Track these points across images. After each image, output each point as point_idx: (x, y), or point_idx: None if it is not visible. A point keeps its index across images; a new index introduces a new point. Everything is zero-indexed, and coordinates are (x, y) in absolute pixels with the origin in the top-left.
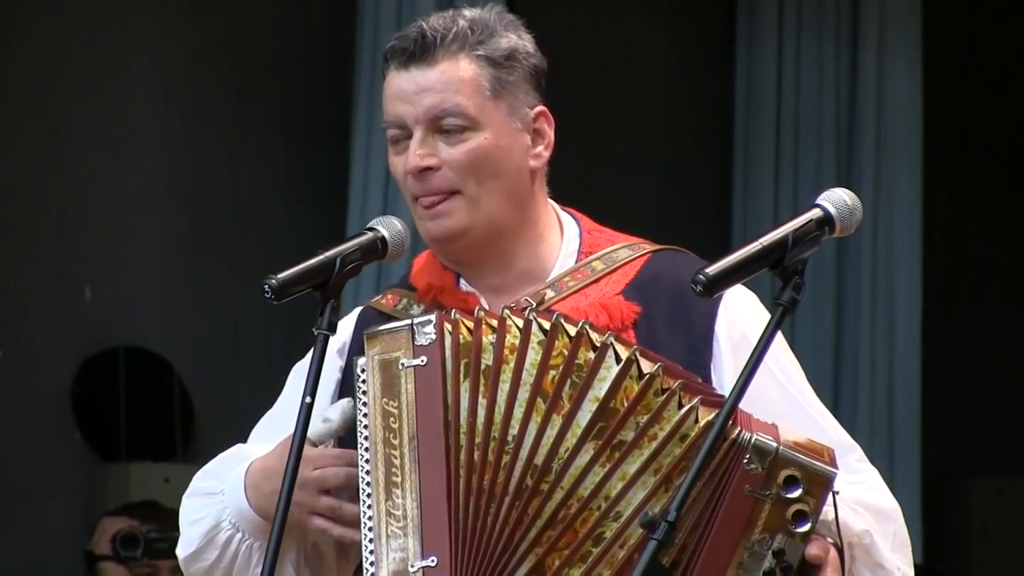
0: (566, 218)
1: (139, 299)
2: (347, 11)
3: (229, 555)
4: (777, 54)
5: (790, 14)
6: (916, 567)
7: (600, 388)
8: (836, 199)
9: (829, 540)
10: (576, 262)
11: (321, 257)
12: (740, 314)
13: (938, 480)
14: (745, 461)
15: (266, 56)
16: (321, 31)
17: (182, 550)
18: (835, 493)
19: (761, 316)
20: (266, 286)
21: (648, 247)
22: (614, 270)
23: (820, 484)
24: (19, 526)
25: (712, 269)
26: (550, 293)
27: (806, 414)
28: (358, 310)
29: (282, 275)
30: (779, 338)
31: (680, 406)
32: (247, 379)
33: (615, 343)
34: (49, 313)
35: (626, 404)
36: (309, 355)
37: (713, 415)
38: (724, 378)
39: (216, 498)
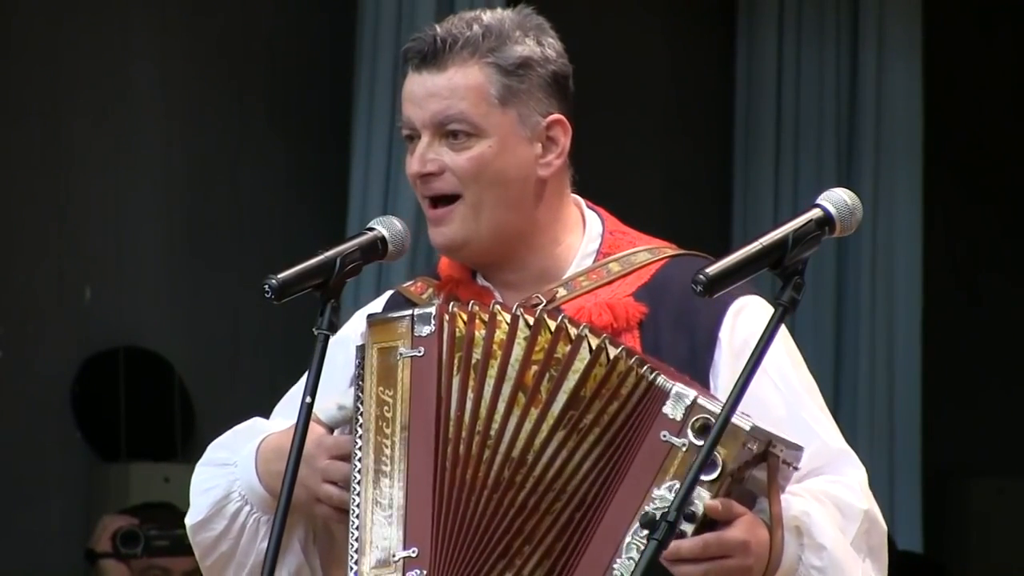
0: (591, 217)
1: (139, 299)
2: (347, 11)
3: (237, 527)
4: (777, 54)
5: (790, 14)
6: (917, 566)
7: (573, 379)
8: (836, 199)
9: (761, 517)
10: (594, 263)
11: (321, 257)
12: (747, 322)
13: (938, 480)
14: (664, 408)
15: (266, 56)
16: (321, 31)
17: (190, 518)
18: (771, 459)
19: None
20: (266, 286)
21: (669, 251)
22: (629, 273)
23: (734, 435)
24: (19, 526)
25: (712, 269)
26: (562, 291)
27: (801, 420)
28: (388, 294)
29: (282, 275)
30: (787, 342)
31: (636, 379)
32: (247, 379)
33: (589, 335)
34: (49, 313)
35: (594, 390)
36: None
37: (634, 359)
38: (720, 383)
39: (228, 469)
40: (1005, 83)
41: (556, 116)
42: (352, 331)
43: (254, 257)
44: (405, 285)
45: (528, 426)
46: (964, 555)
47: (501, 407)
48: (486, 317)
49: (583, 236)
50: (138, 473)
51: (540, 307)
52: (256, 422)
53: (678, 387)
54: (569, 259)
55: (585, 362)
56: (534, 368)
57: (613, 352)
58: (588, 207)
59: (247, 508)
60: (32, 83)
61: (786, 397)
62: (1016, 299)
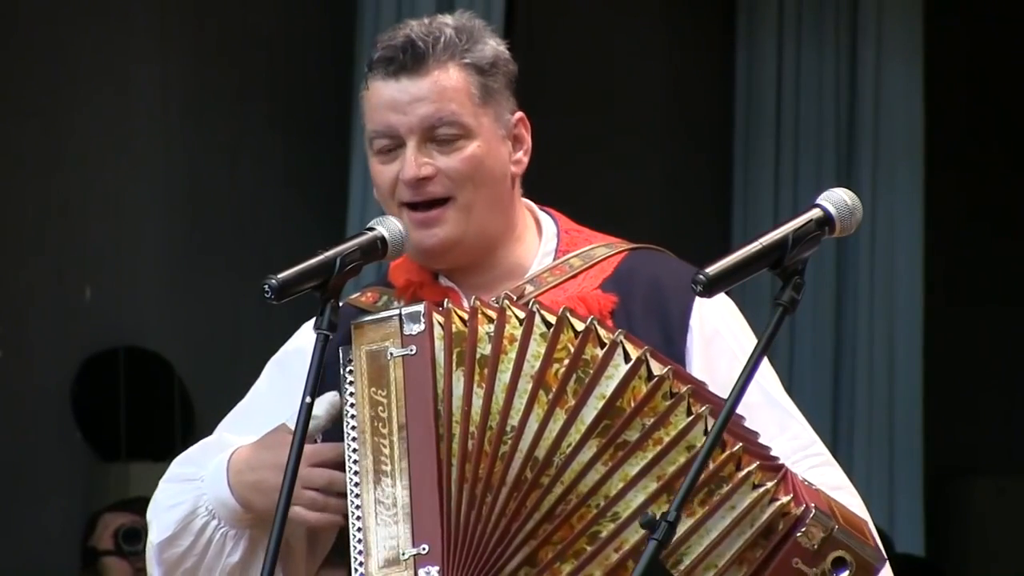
0: (544, 218)
1: (139, 299)
2: (347, 11)
3: (203, 542)
4: (777, 54)
5: (790, 14)
6: (917, 566)
7: (607, 386)
8: (836, 199)
9: None
10: (554, 260)
11: (321, 257)
12: (713, 310)
13: (938, 480)
14: (799, 534)
15: (266, 56)
16: (321, 31)
17: (157, 535)
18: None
19: (734, 313)
20: (266, 286)
21: (625, 245)
22: (591, 266)
23: (867, 570)
24: (19, 526)
25: (712, 269)
26: (529, 288)
27: (776, 403)
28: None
29: (282, 275)
30: (749, 333)
31: (689, 413)
32: (247, 379)
33: (625, 342)
34: (49, 313)
35: (633, 404)
36: (284, 347)
37: (686, 388)
38: (693, 369)
39: (194, 484)
40: (1004, 83)
41: (520, 114)
42: (305, 342)
43: (254, 257)
44: (354, 296)
45: (554, 427)
46: (964, 555)
47: (519, 404)
48: (492, 313)
49: (539, 236)
50: (138, 473)
51: (532, 303)
52: (222, 437)
53: (817, 512)
54: (529, 258)
55: (621, 370)
56: (556, 367)
57: (657, 369)
58: (540, 209)
59: (214, 523)
60: (32, 82)
61: (759, 384)
62: (1016, 299)
